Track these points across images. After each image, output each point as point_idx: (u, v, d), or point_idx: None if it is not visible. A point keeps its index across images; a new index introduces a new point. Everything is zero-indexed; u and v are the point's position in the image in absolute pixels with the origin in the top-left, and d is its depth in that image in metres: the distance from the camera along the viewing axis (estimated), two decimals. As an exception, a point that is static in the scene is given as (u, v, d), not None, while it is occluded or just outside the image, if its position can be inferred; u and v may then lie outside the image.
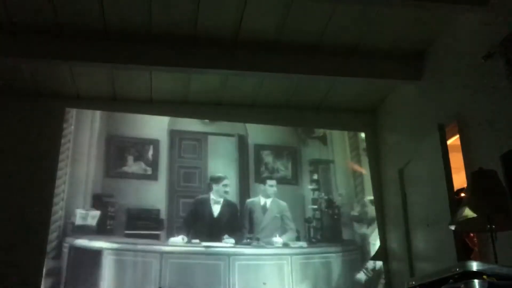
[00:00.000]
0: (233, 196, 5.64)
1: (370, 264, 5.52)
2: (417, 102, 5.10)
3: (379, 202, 5.78)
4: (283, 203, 5.68)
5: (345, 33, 4.72)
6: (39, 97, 5.51)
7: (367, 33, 4.69)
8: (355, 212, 5.80)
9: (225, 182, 5.59)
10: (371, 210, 5.78)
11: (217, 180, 5.59)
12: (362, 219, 5.77)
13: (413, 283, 2.97)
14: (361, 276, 5.47)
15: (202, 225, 5.42)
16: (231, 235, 5.44)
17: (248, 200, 5.65)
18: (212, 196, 5.54)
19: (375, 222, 5.72)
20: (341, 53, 4.95)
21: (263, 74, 5.07)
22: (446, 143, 4.36)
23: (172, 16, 4.45)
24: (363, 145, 6.06)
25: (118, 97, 5.66)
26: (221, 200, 5.53)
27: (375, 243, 5.66)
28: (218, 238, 5.39)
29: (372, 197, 5.83)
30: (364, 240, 5.70)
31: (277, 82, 5.47)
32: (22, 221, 5.02)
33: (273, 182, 5.73)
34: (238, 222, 5.55)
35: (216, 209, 5.50)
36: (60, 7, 4.29)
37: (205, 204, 5.50)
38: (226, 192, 5.56)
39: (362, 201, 5.85)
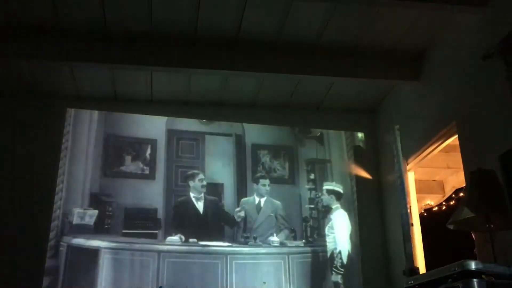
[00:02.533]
0: (230, 196, 5.63)
1: (337, 262, 5.52)
2: (416, 102, 5.10)
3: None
4: (277, 202, 5.68)
5: (344, 34, 4.72)
6: (39, 97, 5.48)
7: (366, 33, 4.70)
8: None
9: (200, 177, 5.57)
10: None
11: (191, 176, 5.58)
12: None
13: (412, 282, 3.00)
14: (335, 277, 5.48)
15: (190, 225, 5.42)
16: (224, 232, 5.47)
17: (243, 199, 5.64)
18: (192, 194, 5.52)
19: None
20: (340, 53, 4.96)
21: (263, 74, 5.06)
22: (399, 144, 4.40)
23: (172, 16, 4.44)
24: (360, 144, 6.08)
25: (119, 97, 5.64)
26: (202, 196, 5.52)
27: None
28: (210, 235, 5.39)
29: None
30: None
31: (277, 82, 5.47)
32: (22, 220, 5.01)
33: (266, 181, 5.72)
34: (226, 214, 5.55)
35: (200, 206, 5.49)
36: (60, 7, 4.29)
37: (188, 204, 5.49)
38: (203, 187, 5.54)
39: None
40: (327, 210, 5.74)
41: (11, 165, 5.22)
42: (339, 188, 5.82)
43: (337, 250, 5.56)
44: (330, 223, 5.67)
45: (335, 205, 5.74)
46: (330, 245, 5.59)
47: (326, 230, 5.64)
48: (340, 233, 5.65)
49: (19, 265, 4.89)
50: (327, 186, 5.84)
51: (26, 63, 4.91)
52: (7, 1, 4.21)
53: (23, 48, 4.58)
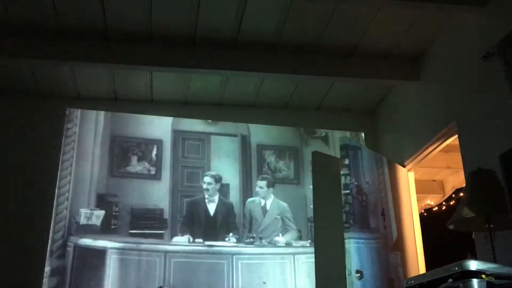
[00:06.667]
0: (235, 196, 5.64)
1: None
2: (416, 102, 5.09)
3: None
4: (284, 204, 5.69)
5: (345, 34, 4.72)
6: (40, 98, 5.51)
7: (366, 34, 4.69)
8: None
9: (205, 186, 5.62)
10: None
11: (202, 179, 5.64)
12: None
13: (412, 282, 2.99)
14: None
15: (199, 225, 5.44)
16: (230, 233, 5.47)
17: (249, 200, 5.66)
18: (206, 195, 5.56)
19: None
20: (340, 53, 4.96)
21: (263, 74, 5.07)
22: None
23: (172, 17, 4.46)
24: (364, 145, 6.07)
25: (119, 97, 5.66)
26: (216, 198, 5.55)
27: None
28: (216, 237, 5.41)
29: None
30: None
31: (277, 82, 5.47)
32: (23, 221, 5.02)
33: (262, 183, 5.73)
34: (235, 220, 5.56)
35: (211, 208, 5.52)
36: (60, 7, 4.31)
37: (201, 204, 5.52)
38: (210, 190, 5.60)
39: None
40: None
41: (11, 165, 5.24)
42: None
43: None
44: None
45: (340, 204, 5.73)
46: (336, 245, 5.58)
47: None
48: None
49: (22, 266, 4.89)
50: None
51: (26, 63, 4.94)
52: (7, 0, 4.24)
53: (23, 48, 4.60)
